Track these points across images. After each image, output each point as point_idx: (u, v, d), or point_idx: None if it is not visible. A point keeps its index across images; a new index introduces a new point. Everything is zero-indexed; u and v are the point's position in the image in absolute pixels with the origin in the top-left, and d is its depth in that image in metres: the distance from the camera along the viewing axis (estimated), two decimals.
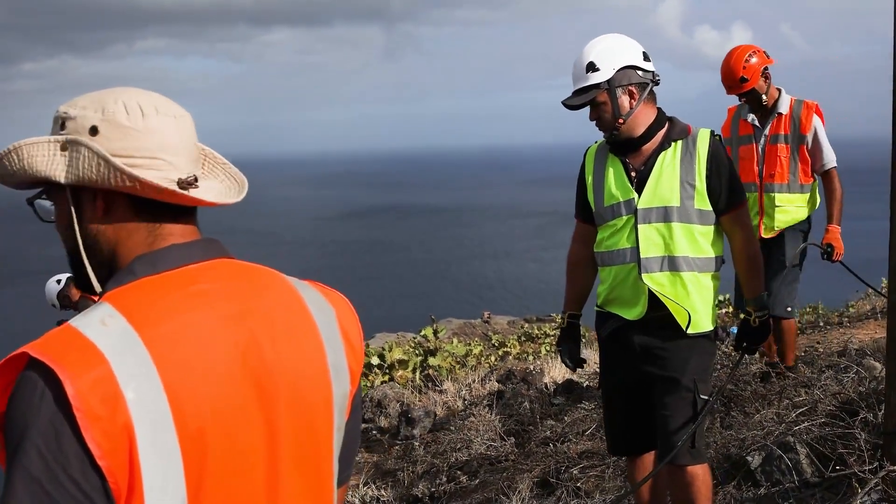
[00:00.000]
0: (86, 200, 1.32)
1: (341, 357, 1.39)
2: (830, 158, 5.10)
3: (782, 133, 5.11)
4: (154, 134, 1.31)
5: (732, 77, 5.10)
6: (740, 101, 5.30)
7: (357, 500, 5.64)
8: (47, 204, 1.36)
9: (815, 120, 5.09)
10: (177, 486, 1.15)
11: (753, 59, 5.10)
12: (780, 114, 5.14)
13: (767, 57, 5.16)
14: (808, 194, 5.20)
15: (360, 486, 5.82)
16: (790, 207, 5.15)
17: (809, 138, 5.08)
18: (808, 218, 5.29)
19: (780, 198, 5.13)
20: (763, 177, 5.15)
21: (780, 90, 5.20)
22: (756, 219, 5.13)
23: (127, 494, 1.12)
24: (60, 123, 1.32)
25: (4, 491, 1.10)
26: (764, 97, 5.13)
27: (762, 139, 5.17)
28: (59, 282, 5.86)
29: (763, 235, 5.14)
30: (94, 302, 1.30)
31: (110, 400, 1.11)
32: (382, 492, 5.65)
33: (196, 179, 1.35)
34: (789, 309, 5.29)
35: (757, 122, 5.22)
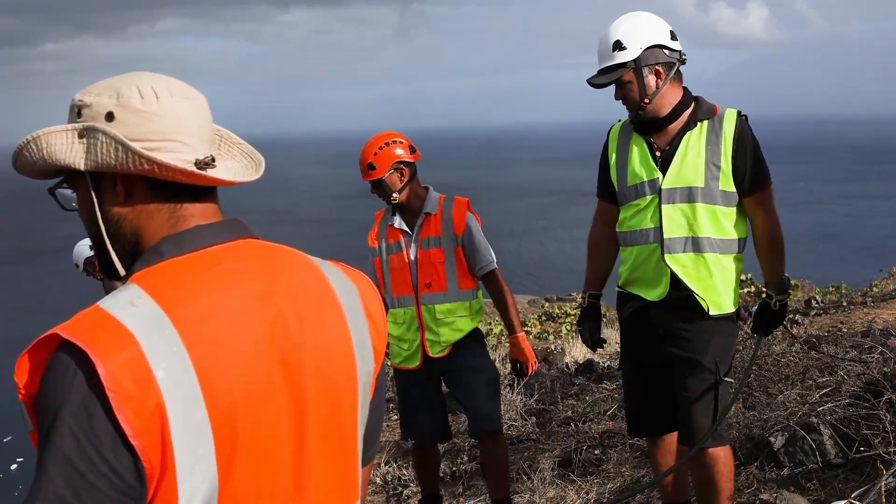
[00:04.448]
0: (106, 186, 1.33)
1: (365, 335, 1.41)
2: (490, 259, 4.37)
3: (433, 236, 4.36)
4: (169, 116, 1.32)
5: (361, 161, 4.40)
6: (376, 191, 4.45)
7: (378, 479, 5.67)
8: (68, 192, 1.38)
9: (469, 217, 4.37)
10: (208, 464, 1.16)
11: (392, 149, 4.36)
12: (429, 214, 4.39)
13: (412, 152, 4.42)
14: (471, 301, 4.39)
15: (382, 464, 5.85)
16: (455, 318, 4.35)
17: (464, 239, 4.34)
18: (477, 328, 4.46)
19: (440, 309, 4.34)
20: (419, 287, 4.37)
21: (427, 188, 4.49)
22: (417, 336, 4.38)
23: (160, 474, 1.13)
24: (77, 111, 1.33)
25: (37, 470, 1.12)
26: (395, 194, 4.36)
27: (413, 245, 4.40)
28: (91, 247, 5.90)
29: (431, 354, 4.37)
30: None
31: (142, 380, 1.12)
32: (404, 471, 5.68)
33: (213, 160, 1.36)
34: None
35: (405, 226, 4.43)
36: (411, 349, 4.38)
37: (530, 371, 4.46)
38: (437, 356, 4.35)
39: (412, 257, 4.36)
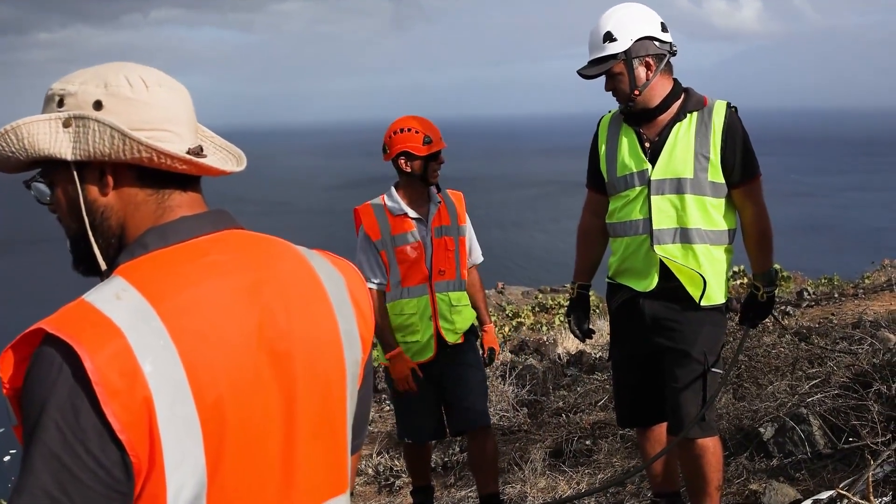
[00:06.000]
0: (91, 177, 1.30)
1: (352, 325, 1.40)
2: (479, 252, 4.56)
3: (445, 224, 4.39)
4: (159, 106, 1.30)
5: (432, 130, 4.30)
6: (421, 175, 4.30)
7: (370, 470, 5.69)
8: (42, 186, 1.33)
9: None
10: (196, 458, 1.15)
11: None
12: (438, 203, 4.41)
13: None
14: (465, 292, 4.48)
15: (374, 455, 5.86)
16: (462, 307, 4.41)
17: (467, 230, 4.47)
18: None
19: (454, 297, 4.39)
20: (433, 275, 4.33)
21: None
22: (430, 326, 4.32)
23: (147, 468, 1.12)
24: (58, 101, 1.30)
25: (23, 466, 1.10)
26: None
27: (428, 233, 4.34)
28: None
29: (449, 341, 4.33)
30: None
31: (129, 374, 1.10)
32: (396, 461, 5.69)
33: (202, 149, 1.35)
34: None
35: (415, 214, 4.35)
36: (424, 339, 4.30)
37: (497, 358, 4.62)
38: (453, 342, 4.34)
39: (428, 245, 4.33)
